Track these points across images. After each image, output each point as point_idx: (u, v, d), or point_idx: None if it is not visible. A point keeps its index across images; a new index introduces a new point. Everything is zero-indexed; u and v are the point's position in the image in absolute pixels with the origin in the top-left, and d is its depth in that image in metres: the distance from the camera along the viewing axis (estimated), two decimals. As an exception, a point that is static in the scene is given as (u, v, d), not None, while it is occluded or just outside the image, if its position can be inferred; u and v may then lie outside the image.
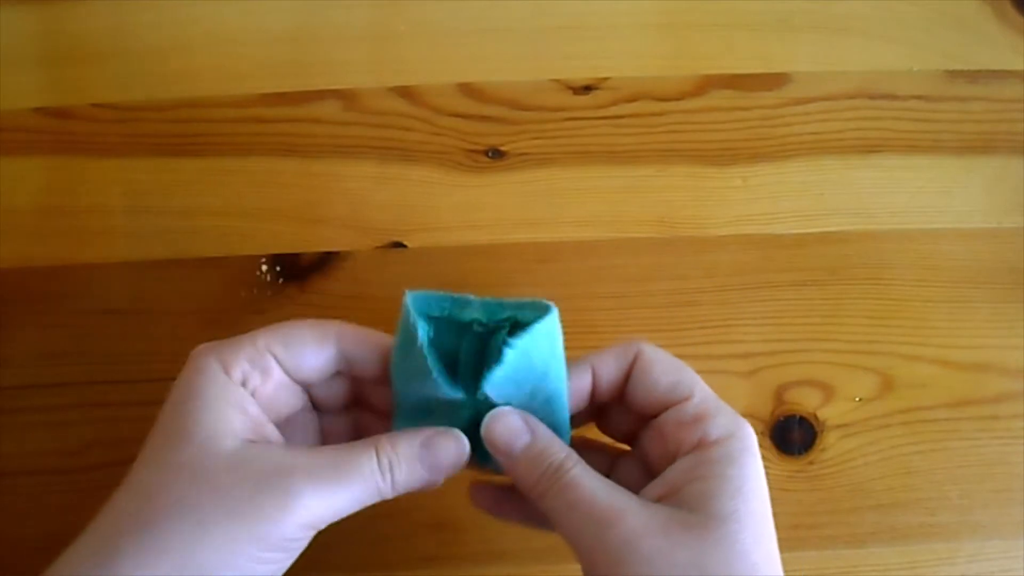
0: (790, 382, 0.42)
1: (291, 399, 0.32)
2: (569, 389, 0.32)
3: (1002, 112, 0.46)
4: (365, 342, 0.32)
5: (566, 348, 0.32)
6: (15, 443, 0.40)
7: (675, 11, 0.47)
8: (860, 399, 0.42)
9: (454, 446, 0.31)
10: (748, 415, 0.35)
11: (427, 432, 0.31)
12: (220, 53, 0.46)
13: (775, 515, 0.29)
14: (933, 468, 0.41)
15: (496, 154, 0.45)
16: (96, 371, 0.41)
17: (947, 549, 0.40)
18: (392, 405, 0.32)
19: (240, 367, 0.30)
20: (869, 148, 0.45)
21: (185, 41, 0.46)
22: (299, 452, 0.29)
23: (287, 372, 0.31)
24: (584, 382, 0.32)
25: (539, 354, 0.30)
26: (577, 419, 0.34)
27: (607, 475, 0.30)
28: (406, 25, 0.46)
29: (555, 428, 0.31)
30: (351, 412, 0.34)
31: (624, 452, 0.34)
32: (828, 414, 0.42)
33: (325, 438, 0.34)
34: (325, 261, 0.43)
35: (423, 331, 0.30)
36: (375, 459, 0.29)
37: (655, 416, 0.31)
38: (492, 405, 0.31)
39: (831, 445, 0.41)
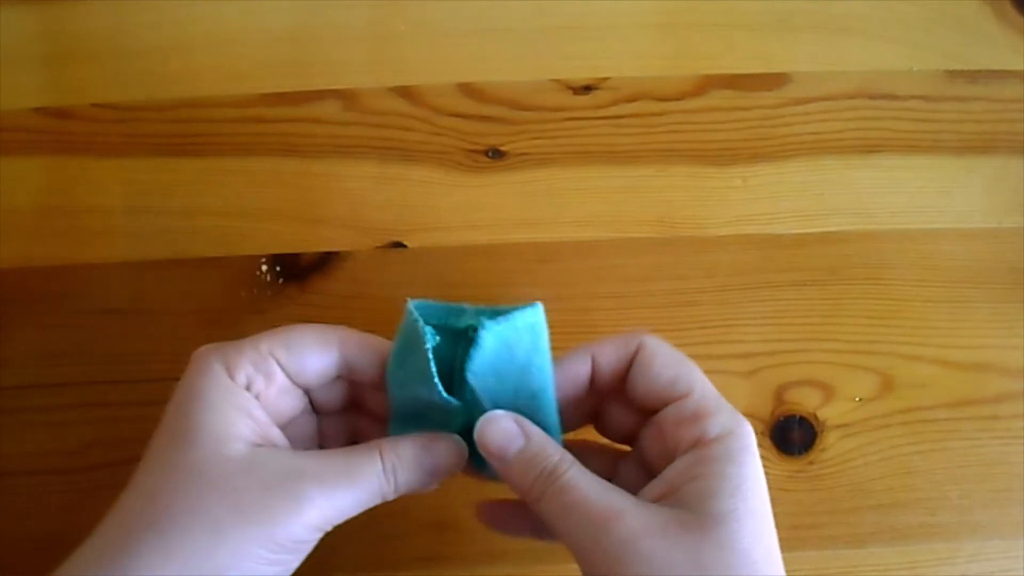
0: (790, 382, 0.42)
1: (292, 402, 0.32)
2: (557, 390, 0.32)
3: (1002, 112, 0.46)
4: (366, 347, 0.32)
5: (566, 348, 0.32)
6: (15, 443, 0.40)
7: (675, 11, 0.47)
8: (860, 399, 0.42)
9: (453, 450, 0.32)
10: (748, 415, 0.35)
11: (427, 436, 0.31)
12: (220, 53, 0.46)
13: (775, 515, 0.29)
14: (933, 468, 0.41)
15: (496, 154, 0.45)
16: (96, 371, 0.41)
17: (947, 549, 0.40)
18: (388, 410, 0.33)
19: (244, 371, 0.30)
20: (869, 148, 0.45)
21: (185, 41, 0.46)
22: (306, 456, 0.30)
23: (289, 376, 0.31)
24: (583, 369, 0.32)
25: (521, 347, 0.30)
26: (575, 420, 0.34)
27: (609, 478, 0.30)
28: (406, 25, 0.46)
29: (543, 427, 0.31)
30: (347, 415, 0.35)
31: (625, 454, 0.34)
32: (828, 414, 0.42)
33: (322, 440, 0.34)
34: (325, 261, 0.43)
35: (430, 336, 0.30)
36: (380, 463, 0.30)
37: (655, 412, 0.31)
38: (484, 411, 0.31)
39: (831, 445, 0.41)
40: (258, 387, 0.30)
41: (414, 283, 0.42)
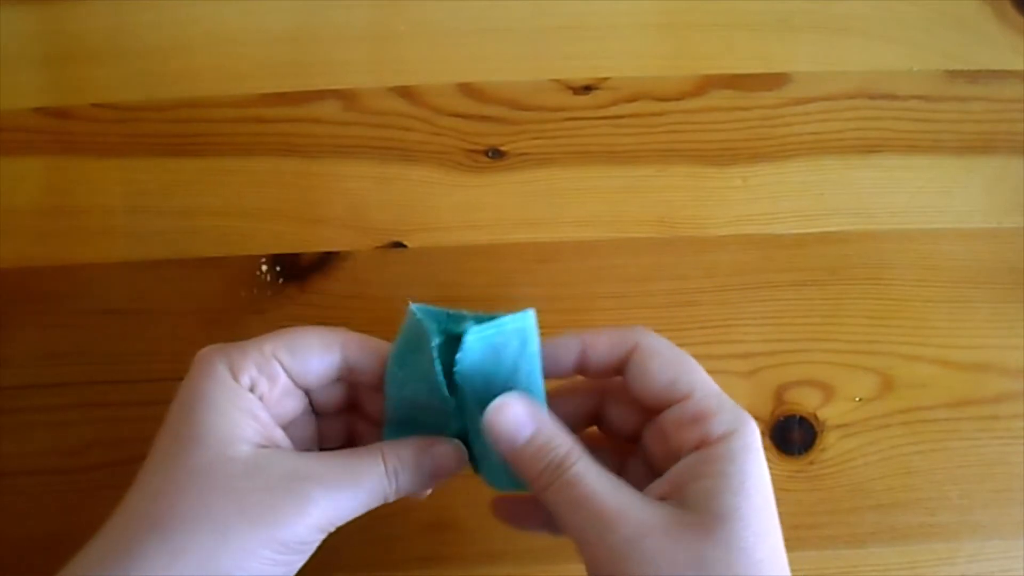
0: (790, 382, 0.42)
1: (294, 403, 0.32)
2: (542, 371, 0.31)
3: (1002, 112, 0.46)
4: (367, 349, 0.32)
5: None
6: (15, 443, 0.40)
7: (675, 11, 0.47)
8: (860, 399, 0.42)
9: (452, 454, 0.32)
10: (748, 415, 0.35)
11: (426, 440, 0.32)
12: (220, 53, 0.46)
13: (775, 515, 0.29)
14: (933, 468, 0.41)
15: (496, 154, 0.45)
16: (96, 371, 0.41)
17: (947, 549, 0.40)
18: (384, 412, 0.33)
19: (248, 373, 0.30)
20: (869, 148, 0.45)
21: (185, 41, 0.46)
22: (310, 458, 0.30)
23: (292, 378, 0.32)
24: (569, 353, 0.32)
25: (508, 351, 0.31)
26: (576, 421, 0.34)
27: (619, 471, 0.30)
28: (406, 25, 0.46)
29: None
30: (345, 416, 0.35)
31: (634, 450, 0.34)
32: (828, 414, 0.42)
33: (321, 440, 0.35)
34: (325, 261, 0.43)
35: (436, 337, 0.30)
36: (383, 465, 0.30)
37: (656, 412, 0.31)
38: (471, 413, 0.31)
39: (831, 445, 0.41)
40: (262, 389, 0.31)
41: (414, 283, 0.42)
